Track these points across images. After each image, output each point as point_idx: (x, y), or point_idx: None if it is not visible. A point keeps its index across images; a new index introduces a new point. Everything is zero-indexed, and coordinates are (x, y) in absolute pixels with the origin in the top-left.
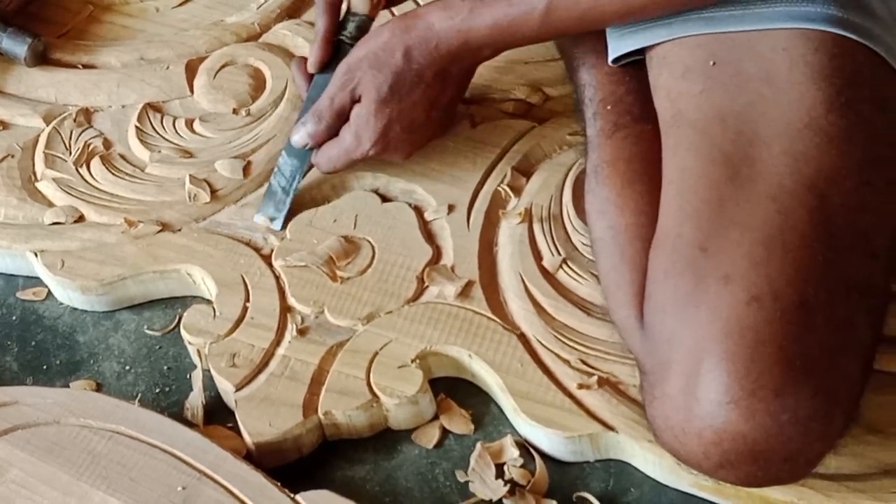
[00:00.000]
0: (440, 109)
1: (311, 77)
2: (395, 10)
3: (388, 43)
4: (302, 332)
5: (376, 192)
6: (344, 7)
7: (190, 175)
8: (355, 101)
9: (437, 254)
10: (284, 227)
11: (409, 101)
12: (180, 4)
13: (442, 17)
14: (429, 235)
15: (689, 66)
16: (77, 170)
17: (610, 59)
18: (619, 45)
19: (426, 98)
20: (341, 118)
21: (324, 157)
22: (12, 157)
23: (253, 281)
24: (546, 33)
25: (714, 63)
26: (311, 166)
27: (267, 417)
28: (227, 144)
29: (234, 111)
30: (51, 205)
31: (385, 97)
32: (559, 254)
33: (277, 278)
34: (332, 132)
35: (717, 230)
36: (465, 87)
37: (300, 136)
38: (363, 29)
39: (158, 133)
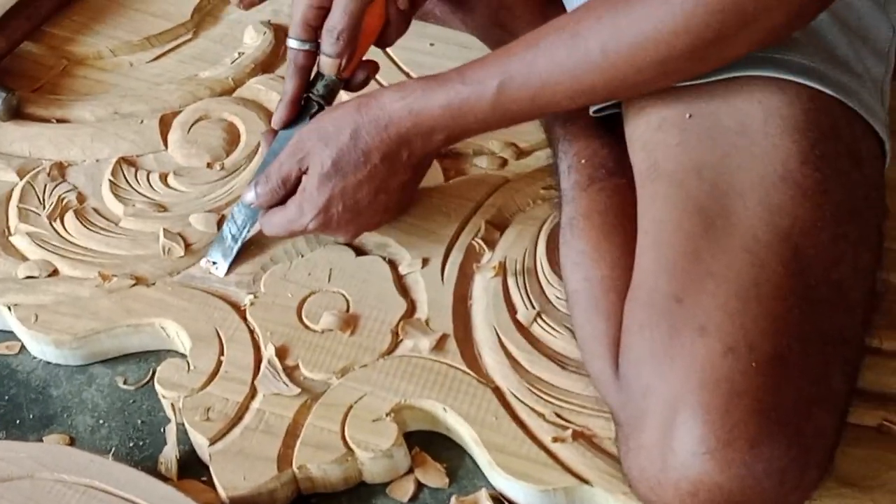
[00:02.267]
0: (389, 194)
1: (275, 133)
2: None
3: (339, 119)
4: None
5: (350, 245)
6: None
7: (164, 229)
8: (303, 172)
9: (412, 307)
10: (228, 272)
11: (354, 180)
12: (154, 59)
13: (395, 98)
14: (403, 289)
15: (665, 118)
16: (51, 224)
17: (591, 110)
18: None
19: (372, 180)
20: (286, 185)
21: (268, 221)
22: None
23: (227, 334)
24: (499, 116)
25: (690, 115)
26: None
27: (241, 471)
28: (202, 198)
29: (209, 165)
30: (24, 259)
31: (328, 172)
32: (533, 307)
33: (252, 332)
34: (276, 197)
35: (692, 281)
36: (420, 175)
37: (249, 196)
38: (332, 90)
39: (132, 187)
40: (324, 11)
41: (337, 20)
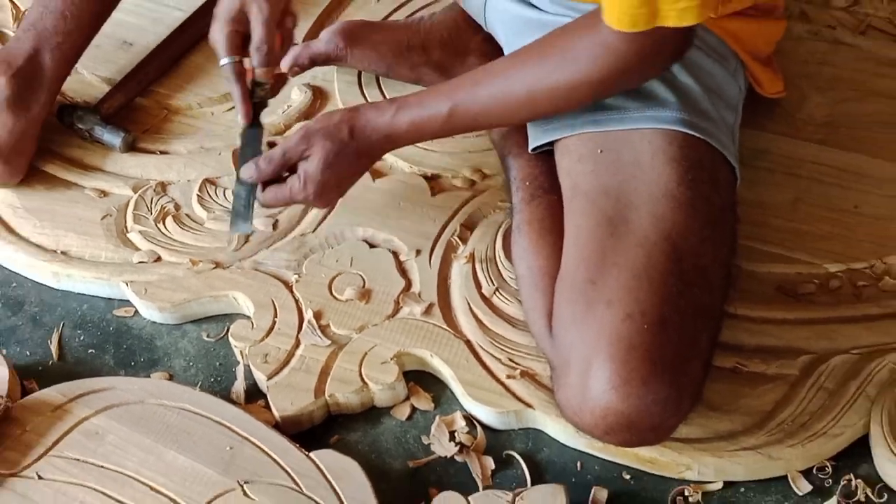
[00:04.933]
0: (357, 177)
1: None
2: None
3: (339, 124)
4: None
5: (365, 240)
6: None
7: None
8: (303, 158)
9: (409, 284)
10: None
11: (344, 167)
12: (228, 110)
13: (376, 115)
14: (402, 271)
15: (582, 154)
16: (156, 225)
17: (530, 147)
18: (537, 138)
19: (353, 169)
20: (284, 167)
21: (270, 194)
22: (111, 216)
23: (279, 303)
24: (448, 130)
25: (601, 151)
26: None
27: (289, 398)
28: (263, 209)
29: None
30: (137, 249)
31: (331, 161)
32: (493, 284)
33: (297, 301)
34: (276, 174)
35: (601, 269)
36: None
37: (250, 172)
38: (268, 92)
39: (214, 199)
40: (242, 30)
41: (260, 39)
